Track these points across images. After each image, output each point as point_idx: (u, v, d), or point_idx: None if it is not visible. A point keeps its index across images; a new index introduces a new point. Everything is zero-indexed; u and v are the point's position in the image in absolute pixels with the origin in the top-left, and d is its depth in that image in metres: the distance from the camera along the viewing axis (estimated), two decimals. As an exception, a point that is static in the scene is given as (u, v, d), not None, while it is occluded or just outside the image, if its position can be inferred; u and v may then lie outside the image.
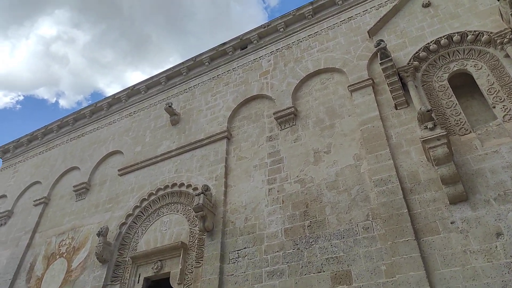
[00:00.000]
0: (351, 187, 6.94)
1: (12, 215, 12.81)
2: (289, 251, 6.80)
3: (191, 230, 8.44)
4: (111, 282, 8.61)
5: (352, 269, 6.05)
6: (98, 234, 9.00)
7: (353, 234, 6.39)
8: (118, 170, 10.85)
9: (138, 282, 8.36)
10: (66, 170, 12.68)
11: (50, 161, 13.62)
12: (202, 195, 7.89)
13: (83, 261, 9.55)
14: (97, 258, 8.83)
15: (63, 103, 41.76)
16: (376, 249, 6.04)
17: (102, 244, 8.82)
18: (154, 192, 9.62)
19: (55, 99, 41.63)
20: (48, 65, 39.57)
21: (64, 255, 10.08)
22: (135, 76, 42.68)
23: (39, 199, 12.17)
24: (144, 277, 8.36)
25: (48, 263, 10.23)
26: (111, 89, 45.11)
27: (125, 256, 8.98)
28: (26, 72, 39.10)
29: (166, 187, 9.52)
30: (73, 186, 11.55)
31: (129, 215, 9.57)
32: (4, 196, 13.87)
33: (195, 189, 8.94)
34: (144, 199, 9.66)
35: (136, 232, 9.31)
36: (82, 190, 11.34)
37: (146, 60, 42.11)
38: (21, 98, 39.83)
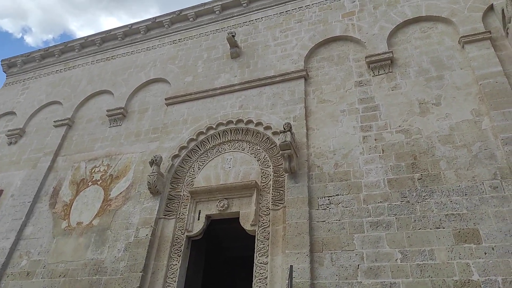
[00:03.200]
0: (471, 143, 6.31)
1: (24, 134, 11.40)
2: (396, 203, 6.16)
3: (263, 170, 7.61)
4: (165, 215, 7.71)
5: (480, 228, 5.50)
6: (151, 163, 7.98)
7: (478, 192, 5.81)
8: (166, 99, 9.70)
9: (198, 219, 7.51)
10: (94, 93, 11.33)
11: (71, 82, 12.15)
12: (288, 132, 7.02)
13: (124, 191, 8.53)
14: (148, 188, 7.85)
15: (29, 40, 38.62)
16: (509, 209, 5.49)
17: (156, 174, 7.83)
18: (213, 127, 8.63)
19: (21, 34, 38.34)
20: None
21: (98, 183, 9.00)
22: (109, 21, 39.60)
23: (61, 120, 10.84)
24: (206, 215, 7.51)
25: (78, 189, 9.12)
26: (82, 32, 41.72)
27: (179, 190, 8.06)
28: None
29: (229, 122, 8.56)
30: (107, 111, 10.29)
31: (182, 148, 8.57)
32: (12, 113, 12.36)
33: (267, 127, 8.06)
34: (201, 133, 8.66)
35: (191, 166, 8.36)
36: (118, 116, 10.13)
37: (123, 7, 39.19)
38: None
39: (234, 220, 7.44)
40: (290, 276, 5.25)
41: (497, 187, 5.75)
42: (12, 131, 11.39)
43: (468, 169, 6.07)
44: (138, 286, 6.76)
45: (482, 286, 5.07)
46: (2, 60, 14.01)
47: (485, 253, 5.29)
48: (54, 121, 10.94)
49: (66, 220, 8.58)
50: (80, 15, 38.84)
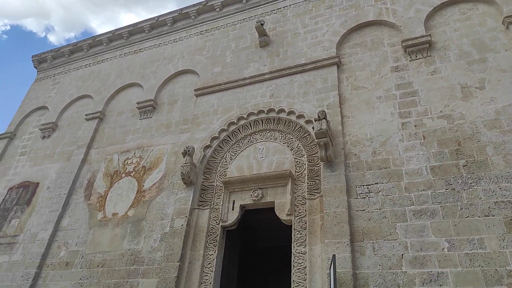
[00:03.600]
0: (520, 127, 6.00)
1: (56, 128, 11.63)
2: (441, 191, 5.93)
3: (297, 160, 7.49)
4: (199, 206, 7.70)
5: (533, 216, 5.23)
6: (184, 154, 7.97)
7: (529, 179, 5.52)
8: (195, 90, 9.67)
9: (232, 209, 7.47)
10: (123, 86, 11.43)
11: (100, 75, 12.29)
12: (323, 120, 6.86)
13: (158, 182, 8.58)
14: (182, 179, 7.85)
15: (52, 38, 39.39)
16: None
17: (189, 164, 7.81)
18: (244, 117, 8.54)
19: (44, 33, 39.14)
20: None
21: (132, 174, 9.08)
22: (128, 18, 40.01)
23: (92, 114, 10.99)
24: (240, 205, 7.46)
25: (112, 181, 9.23)
26: (102, 29, 42.48)
27: (211, 180, 8.03)
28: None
29: (260, 112, 8.45)
30: (137, 103, 10.36)
31: (214, 138, 8.53)
32: (44, 107, 12.63)
33: (299, 116, 7.91)
34: (232, 123, 8.59)
35: (223, 157, 8.31)
36: (148, 108, 10.18)
37: (141, 3, 39.36)
38: (8, 28, 37.25)
39: (268, 210, 7.37)
40: (334, 266, 5.13)
41: (551, 173, 5.45)
42: (46, 125, 11.63)
43: (517, 155, 5.78)
44: (175, 276, 6.79)
45: (538, 276, 4.82)
46: (33, 56, 14.32)
47: (540, 242, 5.03)
48: (85, 115, 11.10)
49: (102, 211, 8.70)
50: (99, 12, 39.39)
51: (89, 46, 13.38)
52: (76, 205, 9.18)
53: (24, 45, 39.18)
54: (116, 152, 9.83)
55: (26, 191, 10.28)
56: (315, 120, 6.98)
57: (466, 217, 5.56)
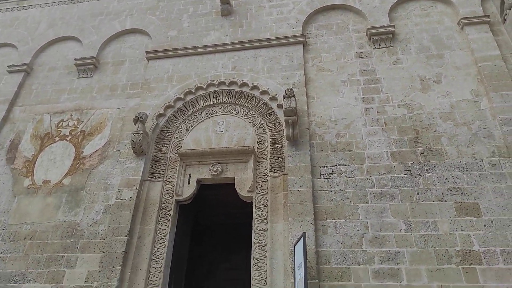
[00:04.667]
0: (471, 121, 6.53)
1: (-32, 79, 9.80)
2: (400, 175, 6.24)
3: (259, 136, 7.29)
4: (150, 178, 7.12)
5: (480, 202, 5.76)
6: (136, 121, 7.27)
7: (478, 169, 6.05)
8: (147, 53, 8.82)
9: (188, 183, 7.04)
10: (57, 38, 9.99)
11: (27, 23, 10.60)
12: (293, 98, 6.74)
13: (100, 149, 7.72)
14: (132, 148, 7.16)
15: None
16: (506, 186, 5.80)
17: (141, 132, 7.14)
18: (203, 87, 8.05)
19: None
20: None
21: (68, 139, 8.04)
22: None
23: (17, 66, 9.46)
24: (197, 179, 7.06)
25: (42, 144, 8.08)
26: None
27: (165, 151, 7.47)
28: None
29: (221, 84, 8.03)
30: (75, 60, 9.14)
31: (168, 107, 7.92)
32: (-50, 52, 10.53)
33: (264, 92, 7.69)
34: (189, 92, 8.05)
35: (178, 127, 7.76)
36: (89, 67, 9.06)
37: None
38: None
39: (225, 186, 7.11)
40: (304, 243, 5.09)
41: (495, 164, 6.03)
42: (-47, 73, 9.72)
43: (468, 146, 6.29)
44: (123, 250, 6.22)
45: (482, 256, 5.33)
46: None
47: (485, 226, 5.56)
48: (8, 66, 9.51)
49: (30, 178, 7.59)
50: None
51: (12, -13, 11.41)
52: (-4, 169, 7.87)
53: None
54: (48, 112, 8.60)
55: None
56: (284, 98, 6.81)
57: (422, 201, 5.93)
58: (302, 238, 5.29)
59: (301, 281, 4.94)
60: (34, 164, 7.79)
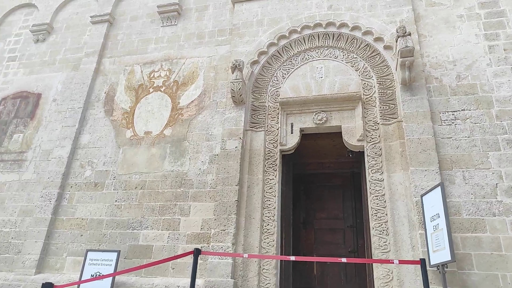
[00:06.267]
0: None
1: (52, 31, 9.88)
2: (537, 120, 5.62)
3: (364, 82, 6.80)
4: (252, 127, 6.96)
5: None
6: (233, 69, 6.98)
7: None
8: (232, -5, 8.34)
9: (292, 133, 6.83)
10: (133, -15, 9.67)
11: (101, -29, 10.30)
12: (409, 36, 6.11)
13: (196, 100, 7.62)
14: (232, 97, 6.96)
15: None
16: None
17: (240, 81, 6.89)
18: (298, 30, 7.54)
19: None
20: None
21: (162, 89, 7.99)
22: None
23: (100, 16, 9.34)
24: (300, 128, 6.82)
25: (137, 95, 8.10)
26: None
27: (262, 100, 7.22)
28: None
29: (317, 25, 7.47)
30: (158, 7, 8.85)
31: (261, 53, 7.54)
32: (30, 5, 10.62)
33: (366, 33, 7.07)
34: (282, 36, 7.58)
35: (273, 75, 7.42)
36: (172, 14, 8.75)
37: None
38: None
39: (315, 135, 6.90)
40: (443, 195, 4.78)
41: None
42: (38, 26, 9.81)
43: None
44: (236, 199, 6.25)
45: None
46: None
47: None
48: (91, 17, 9.42)
49: (131, 129, 7.70)
50: None
51: None
52: (96, 121, 8.06)
53: None
54: (137, 63, 8.53)
55: (26, 103, 8.88)
56: (398, 37, 6.19)
57: None
58: (436, 188, 4.98)
59: (440, 232, 4.70)
60: (133, 115, 7.88)
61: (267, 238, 6.07)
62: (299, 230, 8.44)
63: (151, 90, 8.06)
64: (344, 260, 4.94)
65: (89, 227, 6.93)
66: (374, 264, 5.54)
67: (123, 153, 7.48)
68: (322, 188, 8.69)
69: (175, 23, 8.73)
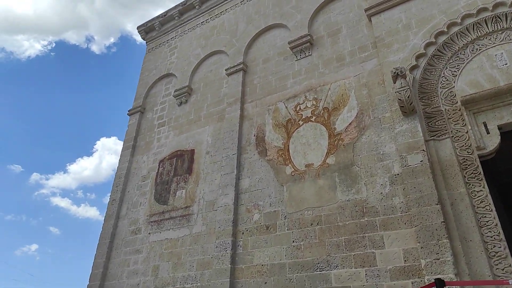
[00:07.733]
0: None
1: (192, 92, 10.54)
2: None
3: None
4: (432, 137, 6.03)
5: None
6: (394, 77, 6.28)
7: None
8: (366, 10, 7.89)
9: (488, 133, 5.70)
10: (259, 31, 9.99)
11: (225, 28, 10.96)
12: None
13: (354, 121, 7.03)
14: (401, 107, 6.20)
15: (94, 48, 39.83)
16: None
17: (407, 88, 6.12)
18: (458, 22, 6.65)
19: (86, 44, 39.57)
20: (74, 5, 36.64)
21: (312, 119, 7.62)
22: (159, 12, 38.97)
23: (234, 67, 9.69)
24: (497, 125, 5.67)
25: (287, 131, 7.85)
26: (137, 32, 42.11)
27: (435, 105, 6.29)
28: (53, 15, 36.59)
29: (482, 10, 6.50)
30: (289, 43, 8.84)
31: (419, 56, 6.76)
32: (169, 75, 11.68)
33: (554, 0, 5.84)
34: (440, 33, 6.75)
35: (440, 75, 6.52)
36: (305, 45, 8.62)
37: None
38: (53, 45, 38.04)
39: None
40: None
41: None
42: (179, 90, 10.61)
43: None
44: (442, 221, 5.23)
45: None
46: (138, 27, 13.43)
47: None
48: (225, 70, 9.84)
49: (290, 165, 7.38)
50: (131, 14, 38.91)
51: (200, 2, 12.07)
52: (252, 164, 7.96)
53: (70, 58, 39.90)
54: (279, 100, 8.42)
55: (182, 160, 9.33)
56: None
57: None
58: None
59: None
60: (288, 151, 7.59)
61: (500, 263, 4.85)
62: None
63: (300, 122, 7.77)
64: None
65: (271, 273, 6.50)
66: None
67: (288, 190, 7.11)
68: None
69: (310, 54, 8.54)
